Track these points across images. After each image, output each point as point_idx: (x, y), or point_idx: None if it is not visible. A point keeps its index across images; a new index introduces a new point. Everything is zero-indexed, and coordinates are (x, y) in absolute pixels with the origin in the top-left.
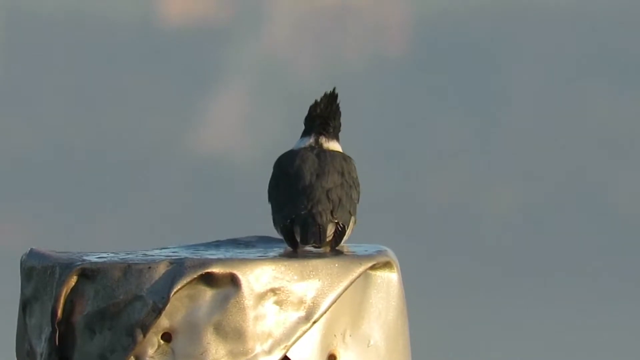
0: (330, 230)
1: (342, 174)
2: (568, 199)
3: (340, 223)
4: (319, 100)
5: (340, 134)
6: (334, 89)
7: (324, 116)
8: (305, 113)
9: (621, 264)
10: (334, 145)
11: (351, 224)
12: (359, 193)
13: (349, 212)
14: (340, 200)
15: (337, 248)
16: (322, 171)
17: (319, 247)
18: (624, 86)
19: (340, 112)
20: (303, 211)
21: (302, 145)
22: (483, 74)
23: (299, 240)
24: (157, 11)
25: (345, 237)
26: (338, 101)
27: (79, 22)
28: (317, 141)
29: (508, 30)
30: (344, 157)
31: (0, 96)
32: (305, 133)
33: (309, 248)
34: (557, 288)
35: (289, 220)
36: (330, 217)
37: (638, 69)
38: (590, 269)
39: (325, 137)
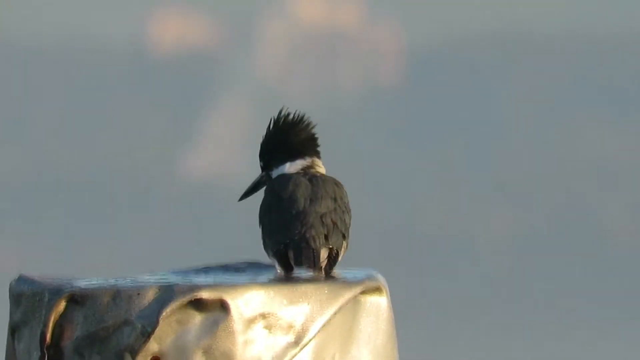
0: (323, 255)
1: (335, 199)
2: (562, 226)
3: (334, 248)
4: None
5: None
6: (280, 111)
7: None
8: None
9: (614, 289)
10: (317, 164)
11: (343, 249)
12: (350, 218)
13: (342, 237)
14: (334, 225)
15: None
16: (316, 196)
17: (313, 272)
18: (618, 116)
19: (301, 130)
20: (297, 236)
21: (292, 169)
22: (477, 103)
23: (293, 264)
24: (150, 38)
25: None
26: (288, 120)
27: (71, 50)
28: (308, 163)
29: (503, 59)
30: (335, 182)
31: None
32: (294, 156)
33: (302, 272)
34: (551, 314)
35: (282, 245)
36: (324, 242)
37: (630, 100)
38: (584, 295)
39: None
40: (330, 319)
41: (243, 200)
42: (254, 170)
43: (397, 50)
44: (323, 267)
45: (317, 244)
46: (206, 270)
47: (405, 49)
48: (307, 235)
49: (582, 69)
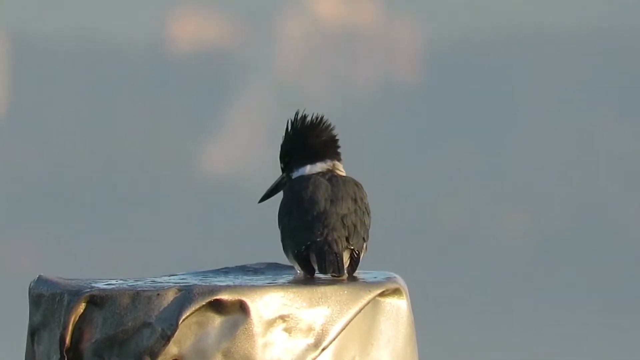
0: (345, 257)
1: (355, 200)
2: (579, 226)
3: (355, 250)
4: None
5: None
6: (296, 113)
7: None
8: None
9: (633, 289)
10: (338, 168)
11: (363, 250)
12: (370, 219)
13: (363, 238)
14: (355, 226)
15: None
16: (336, 197)
17: (338, 276)
18: (637, 115)
19: (322, 132)
20: (319, 238)
21: (313, 171)
22: (495, 101)
23: (316, 268)
24: (168, 36)
25: None
26: (307, 122)
27: (90, 48)
28: (329, 166)
29: (521, 59)
30: (355, 183)
31: (12, 124)
32: (315, 158)
33: (326, 276)
34: (571, 315)
35: (303, 247)
36: (346, 244)
37: None
38: (601, 296)
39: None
40: (350, 322)
41: (263, 202)
42: (274, 169)
43: (415, 49)
44: (347, 269)
45: (340, 247)
46: (225, 271)
47: (423, 47)
48: (329, 238)
49: (602, 68)
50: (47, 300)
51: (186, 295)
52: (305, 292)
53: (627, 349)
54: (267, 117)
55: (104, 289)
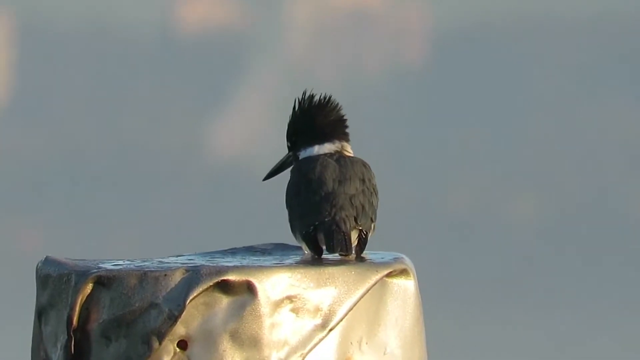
0: (353, 237)
1: (363, 181)
2: (589, 209)
3: (363, 230)
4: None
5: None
6: (304, 93)
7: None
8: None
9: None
10: (346, 149)
11: (371, 231)
12: (378, 200)
13: (371, 219)
14: (363, 207)
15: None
16: (344, 177)
17: (346, 255)
18: None
19: (330, 112)
20: (327, 218)
21: (321, 152)
22: (504, 84)
23: (324, 247)
24: (176, 18)
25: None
26: (316, 101)
27: (97, 30)
28: (337, 147)
29: (530, 41)
30: (363, 164)
31: (19, 106)
32: (323, 139)
33: (334, 256)
34: (577, 298)
35: (311, 228)
36: (354, 224)
37: None
38: (611, 280)
39: (339, 142)
40: (357, 302)
41: (269, 181)
42: (282, 150)
43: (425, 30)
44: (355, 249)
45: (348, 226)
46: (233, 252)
47: (433, 28)
48: (337, 218)
49: (612, 51)
50: (54, 281)
51: (193, 276)
52: (313, 272)
53: (635, 331)
54: (276, 98)
55: (111, 270)
